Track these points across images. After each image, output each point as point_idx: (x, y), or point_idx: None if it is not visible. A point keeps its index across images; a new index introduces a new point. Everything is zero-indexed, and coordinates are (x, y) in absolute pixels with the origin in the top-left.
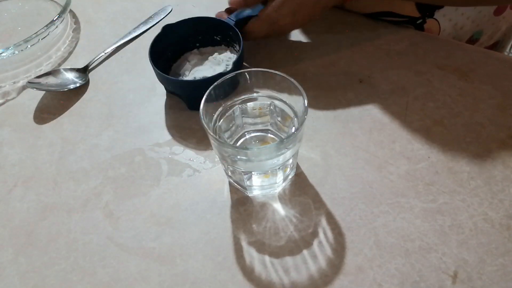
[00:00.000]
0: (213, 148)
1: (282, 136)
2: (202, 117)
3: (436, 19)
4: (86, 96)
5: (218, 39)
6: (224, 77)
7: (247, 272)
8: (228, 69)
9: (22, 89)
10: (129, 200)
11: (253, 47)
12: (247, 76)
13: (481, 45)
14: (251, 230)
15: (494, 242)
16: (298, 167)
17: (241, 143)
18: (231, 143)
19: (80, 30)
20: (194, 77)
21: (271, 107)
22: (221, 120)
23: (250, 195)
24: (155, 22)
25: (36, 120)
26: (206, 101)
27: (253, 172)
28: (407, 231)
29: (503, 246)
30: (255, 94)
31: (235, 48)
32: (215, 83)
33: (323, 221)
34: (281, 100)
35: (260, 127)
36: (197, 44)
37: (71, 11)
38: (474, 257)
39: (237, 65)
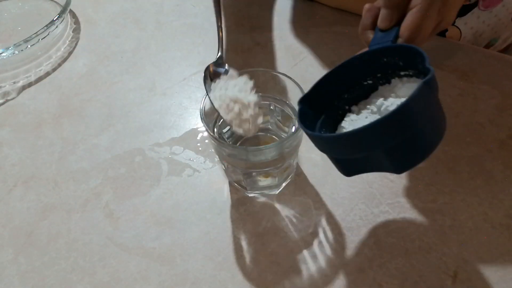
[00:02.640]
0: (213, 148)
1: (282, 136)
2: (202, 117)
3: (457, 27)
4: (86, 96)
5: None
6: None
7: (247, 272)
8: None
9: (22, 89)
10: (129, 200)
11: (253, 47)
12: (247, 76)
13: (495, 49)
14: (251, 230)
15: (494, 242)
16: (298, 167)
17: (241, 143)
18: (231, 143)
19: (80, 30)
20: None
21: (271, 107)
22: (221, 120)
23: (250, 195)
24: None
25: (36, 120)
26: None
27: (253, 172)
28: (407, 231)
29: (503, 246)
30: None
31: (405, 74)
32: None
33: (323, 221)
34: (281, 100)
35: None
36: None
37: (71, 11)
38: (474, 257)
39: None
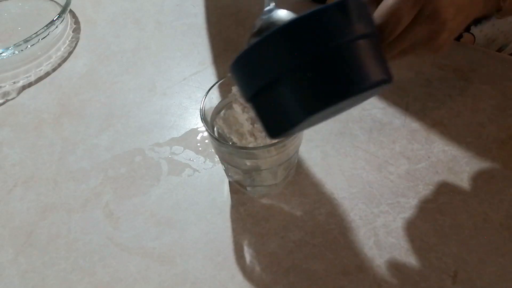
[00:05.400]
0: (213, 148)
1: None
2: (202, 117)
3: (472, 33)
4: (86, 96)
5: None
6: None
7: (247, 272)
8: None
9: (22, 89)
10: (129, 200)
11: None
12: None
13: (505, 53)
14: (251, 230)
15: (494, 242)
16: (298, 167)
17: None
18: (231, 143)
19: (80, 30)
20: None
21: None
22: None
23: (250, 195)
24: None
25: (36, 120)
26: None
27: (253, 172)
28: (407, 231)
29: (503, 246)
30: None
31: None
32: None
33: (323, 221)
34: None
35: None
36: None
37: (71, 11)
38: (474, 257)
39: None
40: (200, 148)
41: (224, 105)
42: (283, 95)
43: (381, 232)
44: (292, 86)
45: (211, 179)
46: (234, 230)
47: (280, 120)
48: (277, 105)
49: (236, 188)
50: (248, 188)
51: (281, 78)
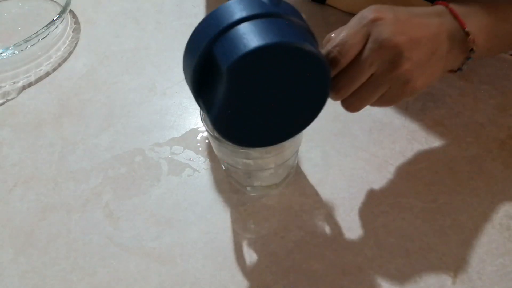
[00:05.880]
0: (213, 148)
1: None
2: (202, 117)
3: None
4: (86, 96)
5: None
6: None
7: (247, 272)
8: None
9: (22, 89)
10: (129, 200)
11: None
12: None
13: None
14: (251, 230)
15: (494, 242)
16: (298, 167)
17: None
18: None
19: (80, 30)
20: None
21: None
22: None
23: (250, 194)
24: None
25: (36, 120)
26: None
27: (253, 172)
28: (407, 231)
29: (503, 246)
30: None
31: None
32: None
33: (323, 221)
34: None
35: None
36: None
37: (71, 11)
38: (474, 257)
39: None
40: (200, 148)
41: None
42: (212, 75)
43: (381, 232)
44: (217, 50)
45: (211, 179)
46: (234, 230)
47: (215, 104)
48: (213, 91)
49: (236, 188)
50: (248, 188)
51: (206, 50)
